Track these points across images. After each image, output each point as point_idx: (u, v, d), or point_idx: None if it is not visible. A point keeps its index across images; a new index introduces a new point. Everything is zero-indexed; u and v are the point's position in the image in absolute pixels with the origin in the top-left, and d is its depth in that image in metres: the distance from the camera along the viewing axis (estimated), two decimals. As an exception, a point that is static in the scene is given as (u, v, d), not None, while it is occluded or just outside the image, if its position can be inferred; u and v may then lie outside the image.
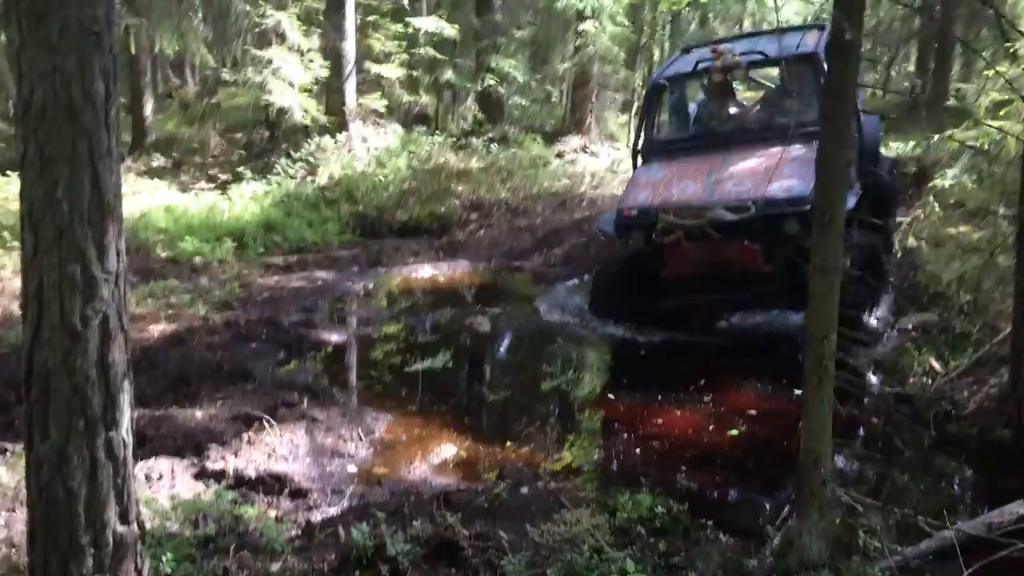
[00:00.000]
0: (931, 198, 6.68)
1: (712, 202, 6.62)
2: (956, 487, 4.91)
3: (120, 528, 2.75)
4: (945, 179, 6.32)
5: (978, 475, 4.92)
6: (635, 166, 8.08)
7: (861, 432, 5.36)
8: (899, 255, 7.40)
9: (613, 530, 3.77)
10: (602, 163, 16.12)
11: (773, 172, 6.65)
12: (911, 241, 7.17)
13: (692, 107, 8.60)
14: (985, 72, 7.22)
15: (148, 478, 4.32)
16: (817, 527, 3.57)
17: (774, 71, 8.83)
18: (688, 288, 7.09)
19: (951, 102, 15.24)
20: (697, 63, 7.87)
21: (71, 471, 2.63)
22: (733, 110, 8.03)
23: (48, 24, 2.42)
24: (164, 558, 3.02)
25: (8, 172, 10.88)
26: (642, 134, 8.06)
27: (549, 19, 18.61)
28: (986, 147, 6.18)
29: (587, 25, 16.48)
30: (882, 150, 8.62)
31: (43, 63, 2.44)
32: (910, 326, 7.03)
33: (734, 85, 8.13)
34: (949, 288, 7.02)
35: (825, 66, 6.51)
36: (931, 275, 7.38)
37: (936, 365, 6.18)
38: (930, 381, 5.96)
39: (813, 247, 3.46)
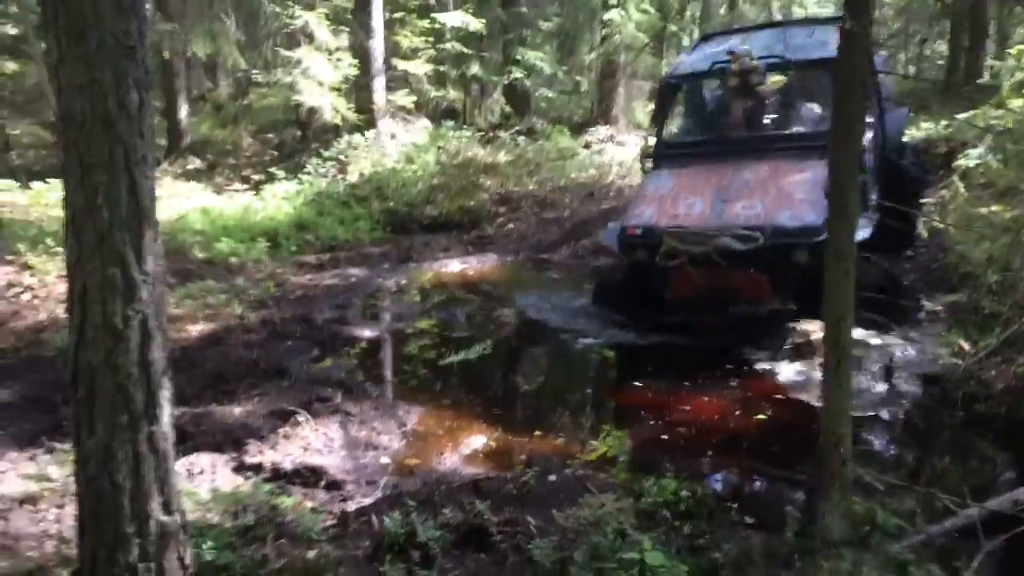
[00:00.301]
0: (956, 178, 6.63)
1: (720, 227, 6.43)
2: (984, 466, 4.91)
3: (163, 518, 2.89)
4: (970, 159, 6.28)
5: (1006, 454, 4.92)
6: (644, 170, 7.92)
7: (888, 414, 5.37)
8: (926, 237, 7.35)
9: (638, 514, 3.86)
10: (630, 152, 16.09)
11: (785, 195, 6.47)
12: (938, 223, 7.10)
13: (709, 97, 8.45)
14: (1012, 50, 7.14)
15: (189, 473, 4.48)
16: (839, 507, 3.62)
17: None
18: (692, 307, 6.87)
19: (984, 79, 14.99)
20: (713, 64, 7.68)
21: (116, 465, 2.78)
22: (749, 113, 7.82)
23: (86, 40, 2.56)
24: (205, 546, 3.17)
25: (48, 180, 11.18)
26: (653, 136, 7.90)
27: (575, 9, 18.61)
28: (1010, 126, 6.13)
29: (612, 14, 16.47)
30: (908, 137, 8.57)
31: (81, 76, 2.58)
32: (939, 307, 7.01)
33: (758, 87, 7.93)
34: (978, 268, 6.97)
35: None
36: (960, 255, 7.33)
37: (965, 346, 6.17)
38: (959, 362, 5.95)
39: (830, 233, 3.51)
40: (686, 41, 24.73)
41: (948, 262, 7.55)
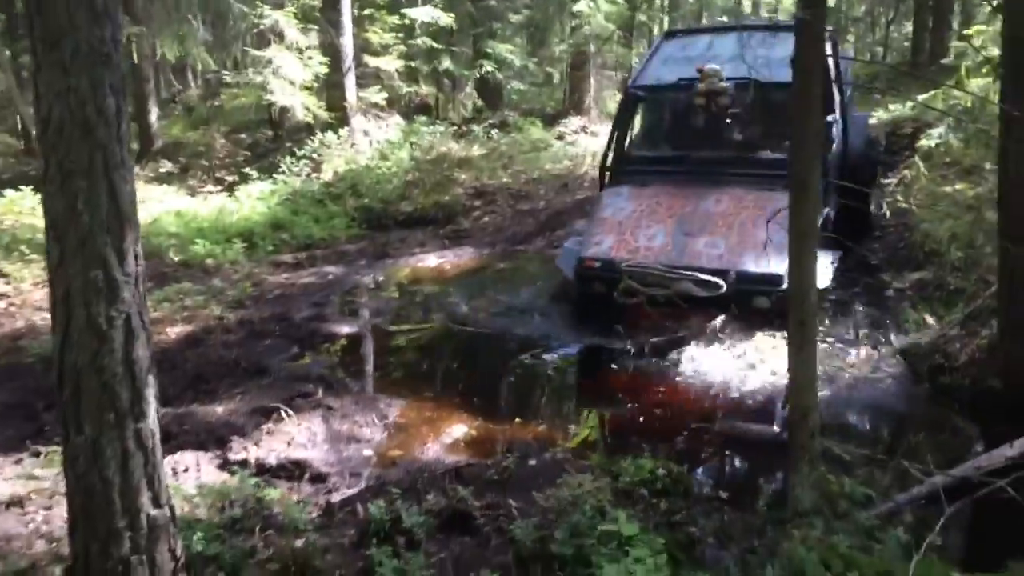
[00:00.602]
0: (917, 158, 6.81)
1: (682, 266, 6.26)
2: (949, 436, 5.08)
3: (153, 512, 2.96)
4: (931, 139, 6.45)
5: (970, 423, 5.09)
6: (602, 185, 7.58)
7: (855, 389, 5.53)
8: (889, 217, 7.53)
9: (616, 492, 3.98)
10: (602, 142, 16.22)
11: (749, 234, 6.34)
12: (902, 202, 7.29)
13: (673, 110, 8.07)
14: (968, 31, 7.32)
15: (175, 471, 4.54)
16: (809, 479, 3.77)
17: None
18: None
19: (949, 59, 15.26)
20: (680, 79, 7.42)
21: (105, 461, 2.85)
22: (714, 134, 7.54)
23: (61, 47, 2.61)
24: (194, 538, 3.24)
25: (21, 187, 11.13)
26: (612, 148, 7.58)
27: (544, 1, 18.70)
28: (970, 106, 6.31)
29: (581, 5, 16.58)
30: (874, 119, 8.65)
31: (58, 83, 2.63)
32: (906, 285, 7.20)
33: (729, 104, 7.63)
34: (942, 246, 7.16)
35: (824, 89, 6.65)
36: (925, 234, 7.52)
37: (930, 320, 6.36)
38: (925, 337, 6.13)
39: (791, 213, 3.64)
40: (656, 29, 24.94)
41: (914, 241, 7.73)
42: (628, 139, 7.65)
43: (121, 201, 2.73)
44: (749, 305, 6.18)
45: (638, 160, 7.58)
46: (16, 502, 4.23)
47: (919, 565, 3.26)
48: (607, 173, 7.62)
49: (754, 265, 6.13)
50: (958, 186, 8.17)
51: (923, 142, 6.60)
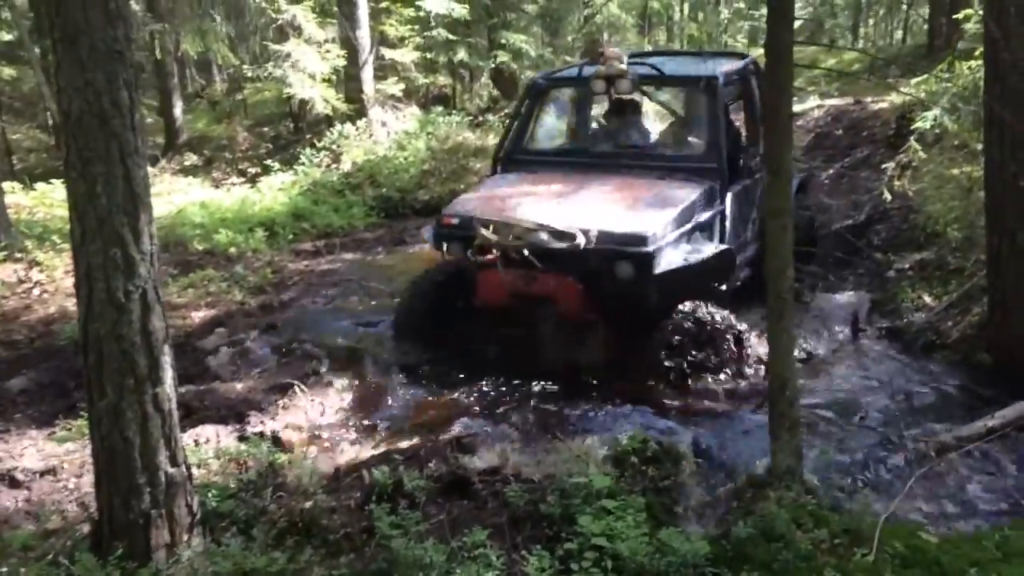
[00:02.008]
0: (912, 140, 6.93)
1: (540, 224, 5.54)
2: (938, 408, 5.23)
3: (170, 470, 3.25)
4: (926, 121, 6.58)
5: (958, 396, 5.25)
6: (493, 172, 7.10)
7: (848, 364, 5.71)
8: (890, 200, 7.65)
9: (607, 459, 4.20)
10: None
11: (623, 205, 5.78)
12: (900, 184, 7.41)
13: (574, 107, 7.62)
14: (964, 12, 7.42)
15: (196, 442, 4.83)
16: (789, 445, 3.97)
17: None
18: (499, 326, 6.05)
19: (963, 44, 15.20)
20: (582, 67, 6.85)
21: (126, 423, 3.13)
22: (613, 125, 7.11)
23: (78, 45, 2.88)
24: (210, 495, 3.52)
25: (52, 180, 11.52)
26: (509, 139, 7.02)
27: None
28: (957, 88, 6.43)
29: (595, -6, 16.72)
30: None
31: (77, 79, 2.90)
32: (907, 266, 7.33)
33: (636, 100, 7.18)
34: (944, 227, 7.28)
35: (722, 95, 6.31)
36: (928, 215, 7.63)
37: (928, 300, 6.50)
38: (921, 315, 6.29)
39: (766, 191, 3.83)
40: (676, 16, 24.97)
41: (916, 222, 7.85)
42: (528, 131, 7.04)
43: (136, 185, 3.00)
44: (612, 277, 5.38)
45: (533, 152, 7.01)
46: (50, 471, 4.55)
47: (887, 522, 3.47)
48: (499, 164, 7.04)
49: (617, 225, 5.47)
50: (960, 169, 8.25)
51: (919, 124, 6.72)
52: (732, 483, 4.13)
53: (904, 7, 22.93)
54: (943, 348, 5.72)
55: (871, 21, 26.33)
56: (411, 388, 5.80)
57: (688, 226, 5.76)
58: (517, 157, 6.94)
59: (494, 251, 5.55)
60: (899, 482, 4.01)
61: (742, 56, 7.13)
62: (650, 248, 5.32)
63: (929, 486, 4.00)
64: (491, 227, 5.59)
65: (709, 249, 5.76)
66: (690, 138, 6.92)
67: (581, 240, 5.37)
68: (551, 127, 7.56)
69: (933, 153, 8.42)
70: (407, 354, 6.27)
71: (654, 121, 7.72)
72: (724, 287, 6.10)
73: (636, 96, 7.05)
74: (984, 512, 3.90)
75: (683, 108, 7.70)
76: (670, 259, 5.46)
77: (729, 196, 6.26)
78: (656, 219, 5.53)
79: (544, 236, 5.45)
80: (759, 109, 6.70)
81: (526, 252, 5.44)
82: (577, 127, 7.55)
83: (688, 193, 5.93)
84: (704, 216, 5.99)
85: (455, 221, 5.97)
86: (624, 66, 6.33)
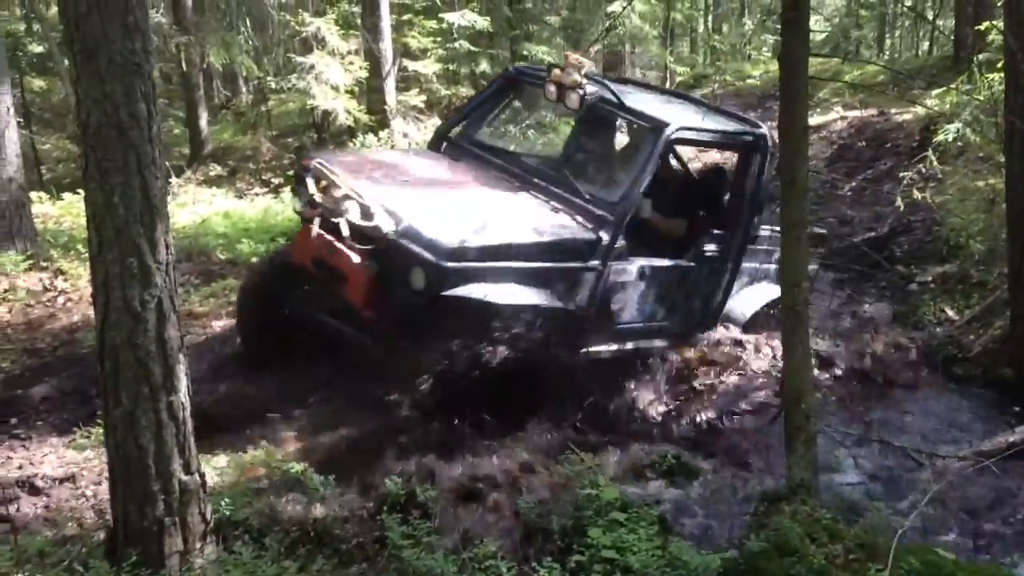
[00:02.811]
0: (930, 151, 6.87)
1: (355, 194, 4.97)
2: (958, 422, 5.18)
3: (184, 477, 3.27)
4: (948, 133, 6.52)
5: (979, 411, 5.19)
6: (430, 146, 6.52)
7: (869, 377, 5.66)
8: (900, 208, 7.59)
9: (624, 470, 4.20)
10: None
11: (465, 212, 5.09)
12: (918, 195, 7.35)
13: (530, 111, 7.17)
14: (987, 24, 7.36)
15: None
16: (804, 459, 3.94)
17: None
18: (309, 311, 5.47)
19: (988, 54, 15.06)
20: (551, 70, 5.91)
21: (141, 430, 3.16)
22: (575, 143, 6.61)
23: (97, 58, 2.93)
24: (223, 503, 3.55)
25: (79, 190, 11.69)
26: (459, 119, 6.48)
27: (579, 3, 18.86)
28: (980, 100, 6.37)
29: (615, 6, 16.71)
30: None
31: (96, 91, 2.95)
32: (930, 279, 7.26)
33: (610, 120, 6.45)
34: (967, 239, 7.21)
35: (665, 149, 5.61)
36: (951, 228, 7.57)
37: (950, 312, 6.44)
38: (943, 328, 6.23)
39: (781, 204, 3.82)
40: (700, 28, 24.92)
41: (939, 235, 7.78)
42: (481, 119, 6.42)
43: (153, 196, 3.04)
44: (406, 282, 4.74)
45: (475, 143, 6.26)
46: (69, 478, 4.62)
47: (902, 539, 3.43)
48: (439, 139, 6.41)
49: (427, 229, 4.78)
50: (984, 182, 8.17)
51: (940, 136, 6.67)
52: (748, 495, 4.10)
53: (930, 16, 22.72)
54: (964, 362, 5.66)
55: (897, 33, 26.13)
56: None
57: (533, 265, 4.91)
58: (458, 142, 6.28)
59: (319, 209, 5.05)
60: (916, 497, 3.96)
61: (754, 125, 5.92)
62: (447, 263, 4.64)
63: (947, 502, 3.95)
64: (323, 183, 5.11)
65: (546, 300, 4.94)
66: (613, 181, 5.93)
67: (384, 226, 4.77)
68: (505, 122, 7.07)
69: (957, 165, 8.36)
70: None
71: (592, 140, 6.71)
72: (568, 354, 5.21)
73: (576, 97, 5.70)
74: (1003, 529, 3.84)
75: (629, 148, 6.64)
76: (483, 290, 4.70)
77: (627, 264, 5.32)
78: (480, 237, 4.81)
79: (354, 208, 4.89)
80: (751, 190, 5.69)
81: (342, 220, 4.90)
82: (525, 130, 7.09)
83: (557, 231, 5.10)
84: (566, 264, 5.06)
85: (312, 165, 5.39)
86: (580, 79, 5.56)
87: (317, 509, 3.85)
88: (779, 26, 3.71)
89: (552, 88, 5.64)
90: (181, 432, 3.24)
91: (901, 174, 7.81)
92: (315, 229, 5.00)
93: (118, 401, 3.14)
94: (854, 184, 10.29)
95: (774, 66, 10.10)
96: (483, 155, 6.07)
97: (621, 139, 7.04)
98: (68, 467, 4.73)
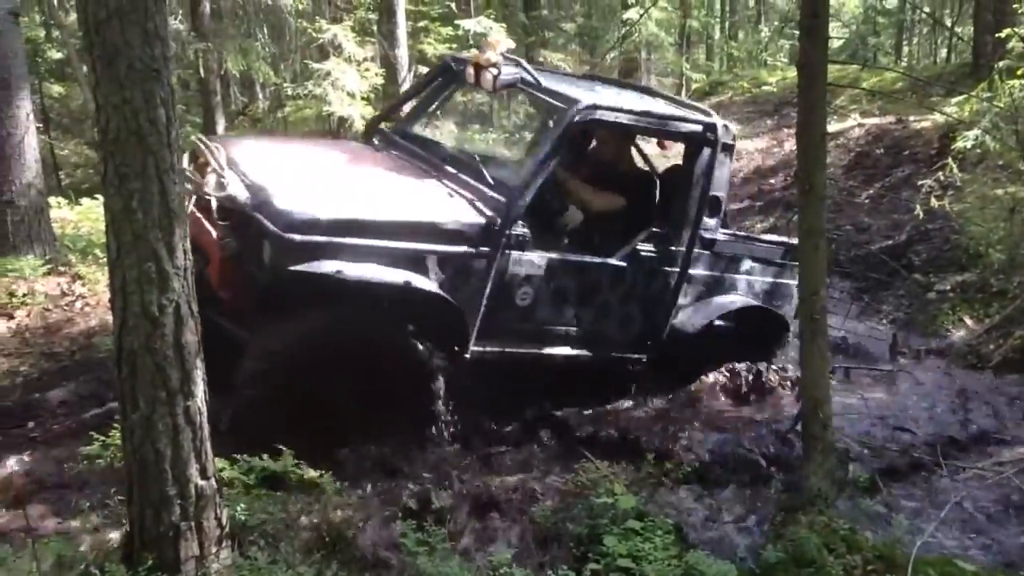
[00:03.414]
0: (950, 159, 6.82)
1: (216, 164, 4.53)
2: (978, 432, 5.11)
3: (201, 482, 3.28)
4: (967, 141, 6.47)
5: (998, 421, 5.13)
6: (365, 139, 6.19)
7: (887, 388, 5.61)
8: (919, 216, 7.53)
9: (638, 479, 4.18)
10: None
11: (337, 186, 4.77)
12: (936, 203, 7.29)
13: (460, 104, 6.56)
14: (1007, 31, 7.30)
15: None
16: (822, 468, 3.91)
17: None
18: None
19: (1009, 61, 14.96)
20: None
21: (157, 435, 3.17)
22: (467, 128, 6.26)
23: (116, 64, 2.94)
24: (239, 508, 3.55)
25: (97, 196, 11.78)
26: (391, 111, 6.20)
27: (595, 10, 18.90)
28: (1001, 106, 6.32)
29: (631, 13, 16.73)
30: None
31: (114, 97, 2.97)
32: (948, 287, 7.21)
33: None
34: (986, 248, 7.15)
35: (574, 134, 5.06)
36: (970, 236, 7.51)
37: (969, 322, 6.38)
38: (962, 337, 6.17)
39: (799, 211, 3.79)
40: (717, 35, 24.88)
41: (958, 243, 7.72)
42: (414, 111, 6.17)
43: (171, 201, 3.05)
44: (257, 258, 4.35)
45: (410, 136, 5.93)
46: (85, 482, 4.62)
47: (921, 549, 3.39)
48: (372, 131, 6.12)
49: (285, 200, 4.35)
50: (1004, 189, 8.11)
51: (959, 144, 6.62)
52: (765, 504, 4.07)
53: (948, 23, 22.59)
54: (984, 371, 5.59)
55: (915, 40, 26.00)
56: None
57: (401, 245, 4.45)
58: (390, 134, 5.93)
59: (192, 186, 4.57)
60: (935, 508, 3.92)
61: (705, 114, 5.44)
62: (294, 236, 4.19)
63: (966, 513, 3.90)
64: (202, 156, 4.66)
65: (417, 284, 4.43)
66: (513, 164, 5.69)
67: (240, 196, 4.40)
68: (448, 113, 6.80)
69: (976, 173, 8.30)
70: None
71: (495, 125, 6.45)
72: (449, 351, 4.71)
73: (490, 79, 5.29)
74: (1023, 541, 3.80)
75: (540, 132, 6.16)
76: (335, 266, 4.24)
77: (531, 256, 4.83)
78: (337, 210, 4.38)
79: (211, 179, 4.48)
80: (699, 188, 5.19)
81: (212, 192, 4.48)
82: (455, 120, 6.61)
83: (437, 212, 4.67)
84: (446, 248, 4.60)
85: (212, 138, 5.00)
86: (497, 58, 5.17)
87: (333, 514, 3.85)
88: (796, 32, 3.71)
89: (470, 70, 5.27)
90: (198, 437, 3.25)
91: (920, 182, 7.76)
92: (191, 205, 4.54)
93: (135, 405, 3.15)
94: (872, 192, 10.23)
95: (791, 72, 10.04)
96: (410, 146, 5.67)
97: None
98: (84, 471, 4.74)
